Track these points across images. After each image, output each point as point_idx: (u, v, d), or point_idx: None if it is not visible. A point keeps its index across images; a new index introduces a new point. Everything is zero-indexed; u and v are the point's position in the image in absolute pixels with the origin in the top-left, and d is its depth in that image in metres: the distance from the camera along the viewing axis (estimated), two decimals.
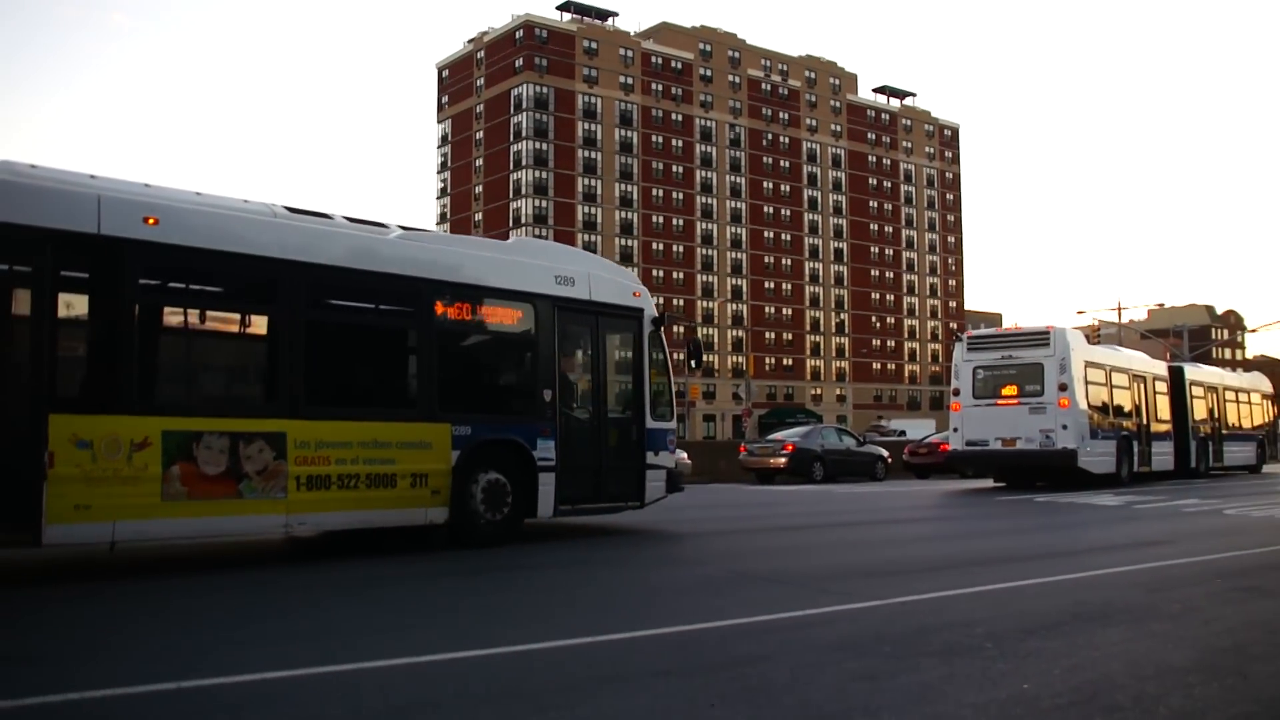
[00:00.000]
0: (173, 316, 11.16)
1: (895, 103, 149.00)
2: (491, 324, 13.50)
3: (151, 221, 10.23)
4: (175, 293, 11.14)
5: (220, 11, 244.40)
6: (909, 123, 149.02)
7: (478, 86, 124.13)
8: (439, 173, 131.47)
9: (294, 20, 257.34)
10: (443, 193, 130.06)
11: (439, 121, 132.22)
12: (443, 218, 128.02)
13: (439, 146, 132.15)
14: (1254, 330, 60.15)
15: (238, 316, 11.58)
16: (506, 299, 13.38)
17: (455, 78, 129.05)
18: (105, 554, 11.20)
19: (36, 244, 9.54)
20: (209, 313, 11.40)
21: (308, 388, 11.32)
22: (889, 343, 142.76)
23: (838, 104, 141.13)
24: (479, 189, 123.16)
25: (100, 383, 9.98)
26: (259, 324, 11.61)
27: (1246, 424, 36.68)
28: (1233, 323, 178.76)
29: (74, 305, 10.09)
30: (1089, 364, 26.06)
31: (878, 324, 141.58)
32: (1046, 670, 6.11)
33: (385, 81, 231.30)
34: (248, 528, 11.18)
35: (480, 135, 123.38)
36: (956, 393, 26.45)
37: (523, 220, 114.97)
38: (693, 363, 17.31)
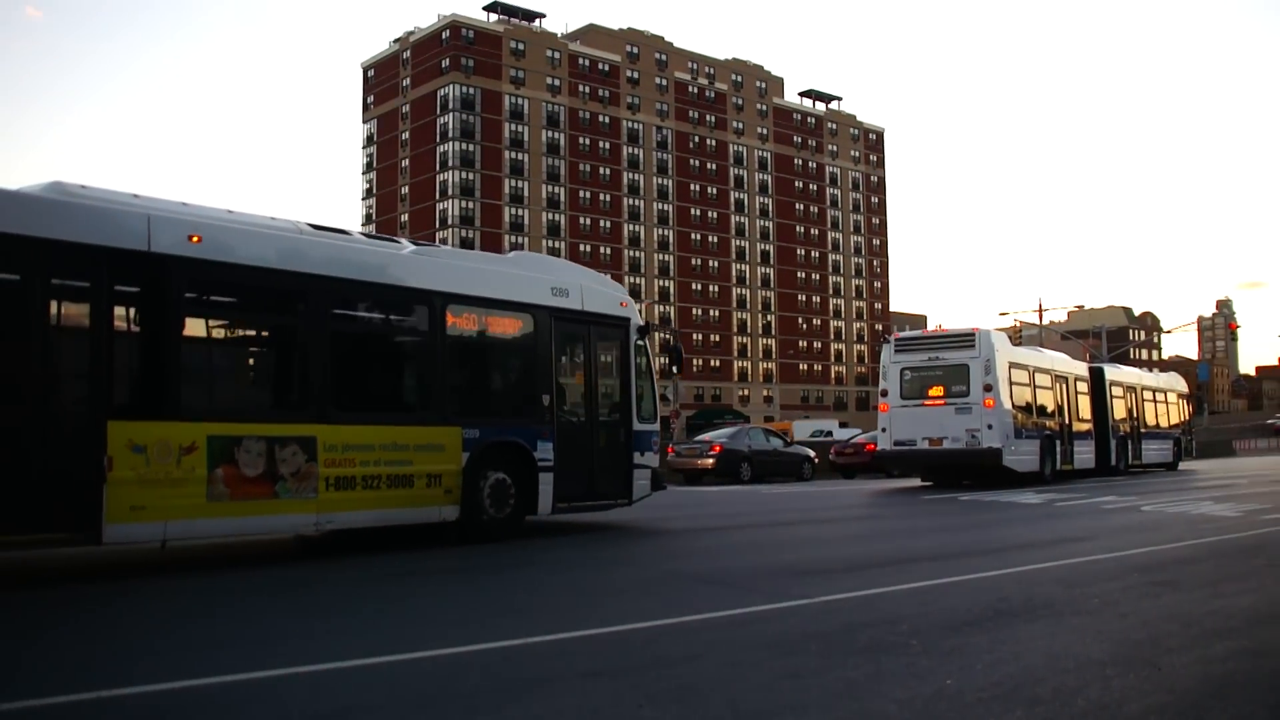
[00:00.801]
0: (214, 328, 11.96)
1: (821, 106, 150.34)
2: (495, 333, 14.35)
3: (195, 239, 10.91)
4: (216, 306, 11.89)
5: (143, 7, 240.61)
6: (835, 126, 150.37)
7: (404, 87, 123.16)
8: (364, 173, 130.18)
9: (217, 17, 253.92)
10: (368, 193, 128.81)
11: (364, 122, 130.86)
12: (368, 219, 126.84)
13: (364, 147, 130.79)
14: (1169, 331, 61.43)
15: (271, 327, 12.55)
16: (509, 310, 14.23)
17: (381, 78, 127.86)
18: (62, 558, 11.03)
19: (94, 261, 10.14)
20: (246, 324, 12.45)
21: (335, 394, 12.11)
22: (815, 344, 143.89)
23: (764, 107, 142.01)
24: (405, 190, 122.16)
25: (151, 390, 10.69)
26: (291, 334, 12.40)
27: (1164, 423, 37.47)
28: (1149, 324, 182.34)
29: (127, 318, 10.75)
30: (1013, 365, 26.47)
31: (804, 325, 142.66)
32: (970, 665, 6.21)
33: (310, 80, 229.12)
34: (283, 526, 11.94)
35: (406, 136, 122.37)
36: (884, 394, 26.74)
37: (449, 222, 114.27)
38: (674, 367, 17.77)
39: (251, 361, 12.81)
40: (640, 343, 15.89)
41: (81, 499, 9.81)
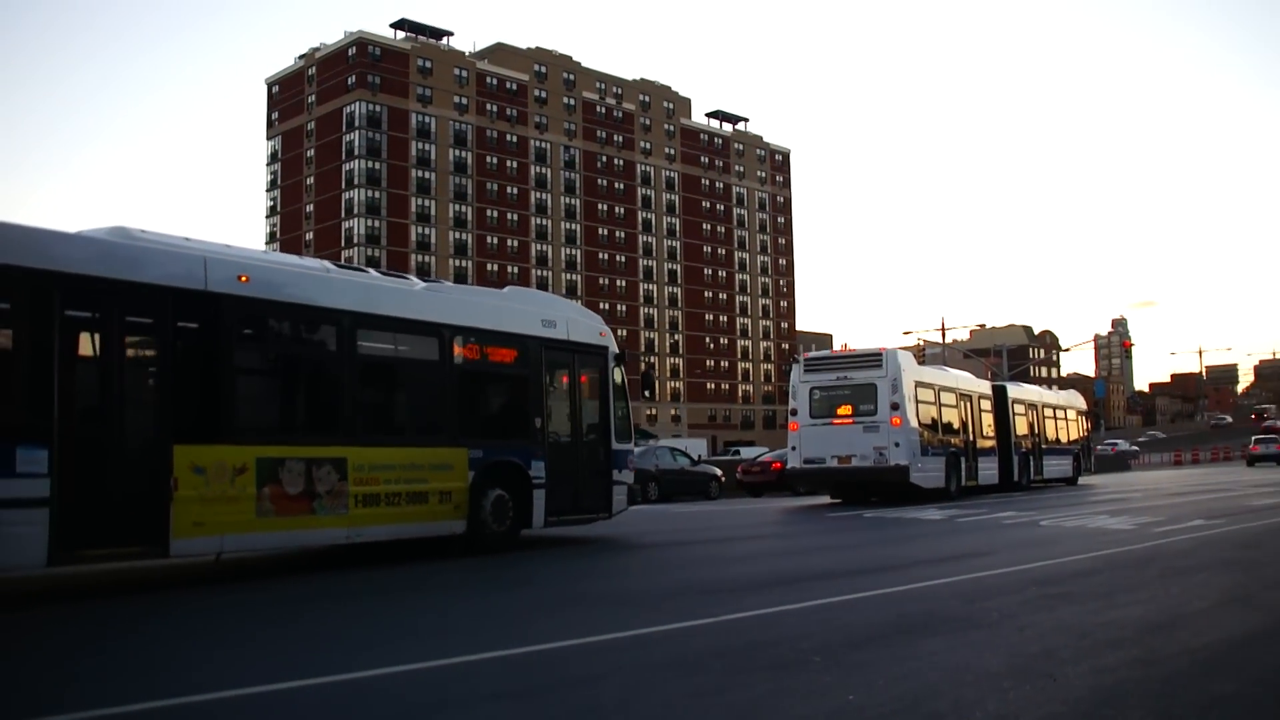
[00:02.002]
0: (260, 359, 12.99)
1: (728, 127, 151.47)
2: (494, 361, 15.52)
3: (244, 279, 12.05)
4: (261, 338, 12.95)
5: (43, 18, 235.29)
6: (741, 147, 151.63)
7: (309, 103, 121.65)
8: (269, 190, 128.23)
9: (117, 29, 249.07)
10: (272, 211, 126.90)
11: (269, 138, 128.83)
12: (272, 237, 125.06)
13: (269, 164, 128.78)
14: (1067, 350, 62.99)
15: (308, 358, 13.61)
16: (505, 340, 15.51)
17: (286, 94, 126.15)
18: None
19: (160, 299, 11.24)
20: (286, 355, 13.39)
21: (362, 419, 13.42)
22: (722, 363, 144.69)
23: (672, 128, 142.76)
24: (310, 208, 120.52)
25: (209, 416, 11.68)
26: (324, 364, 13.55)
27: (1064, 439, 38.27)
28: (1048, 342, 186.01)
29: (187, 350, 11.75)
30: (919, 384, 26.88)
31: (711, 344, 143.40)
32: (872, 681, 6.27)
33: (213, 96, 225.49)
34: (319, 539, 12.98)
35: (312, 153, 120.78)
36: (794, 412, 26.99)
37: (355, 240, 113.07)
38: (646, 392, 21.10)
39: (291, 389, 13.60)
40: (617, 369, 17.28)
41: (151, 516, 10.82)
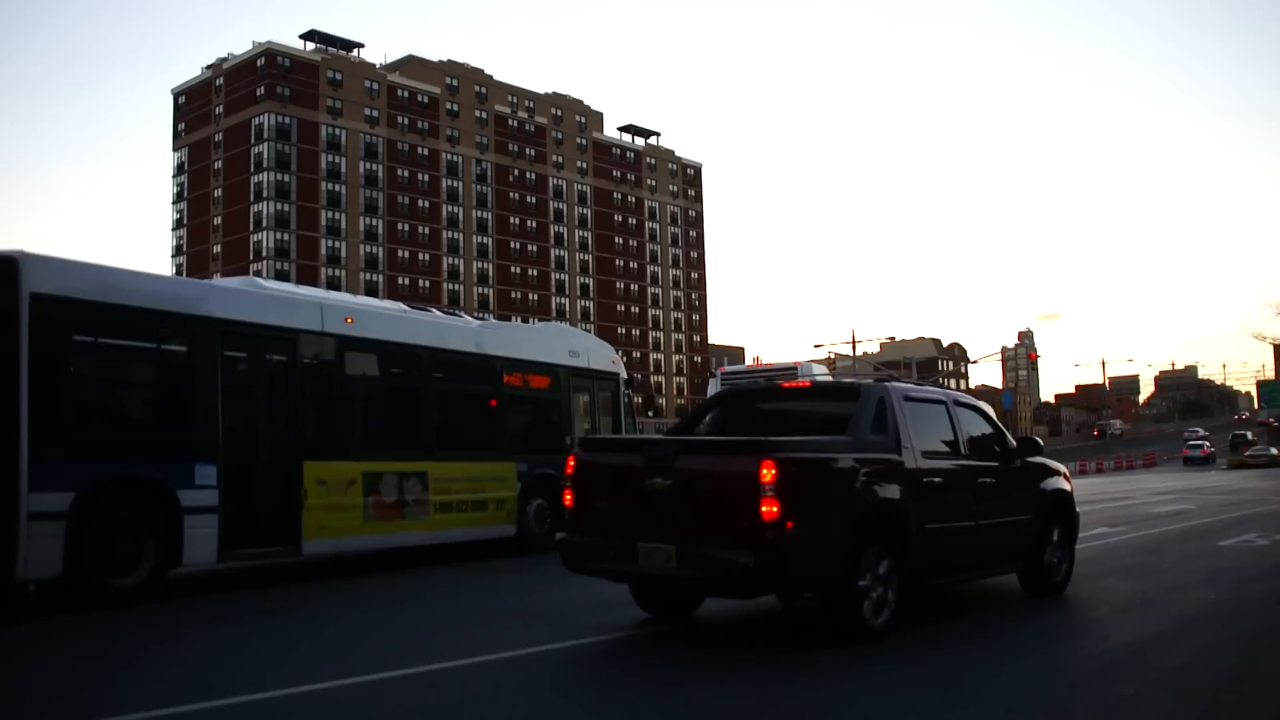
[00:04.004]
0: (362, 386, 15.03)
1: (640, 141, 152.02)
2: (534, 387, 17.75)
3: (349, 320, 14.35)
4: (363, 369, 14.98)
5: None
6: (653, 161, 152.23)
7: (217, 114, 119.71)
8: (175, 203, 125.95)
9: (18, 32, 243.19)
10: (179, 224, 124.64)
11: (175, 150, 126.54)
12: (178, 250, 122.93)
13: (175, 176, 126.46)
14: (975, 361, 63.99)
15: (398, 386, 15.80)
16: (542, 369, 17.81)
17: (193, 105, 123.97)
18: None
19: (291, 339, 13.46)
20: (381, 383, 15.58)
21: (438, 437, 15.54)
22: (635, 375, 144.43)
23: (584, 141, 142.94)
24: (218, 220, 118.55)
25: (327, 437, 13.92)
26: (410, 390, 15.77)
27: None
28: (957, 354, 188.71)
29: (309, 380, 13.87)
30: None
31: (625, 357, 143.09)
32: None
33: (116, 105, 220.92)
34: (407, 541, 14.91)
35: (219, 165, 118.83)
36: None
37: (264, 253, 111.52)
38: (650, 412, 22.39)
39: (386, 412, 15.62)
40: (627, 391, 19.63)
41: (289, 521, 12.90)
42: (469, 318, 17.82)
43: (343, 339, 14.12)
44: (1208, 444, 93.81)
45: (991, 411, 11.52)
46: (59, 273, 11.14)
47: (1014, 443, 11.03)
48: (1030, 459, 11.08)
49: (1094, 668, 7.26)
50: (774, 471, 7.58)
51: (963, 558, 9.77)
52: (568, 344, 18.75)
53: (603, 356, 19.48)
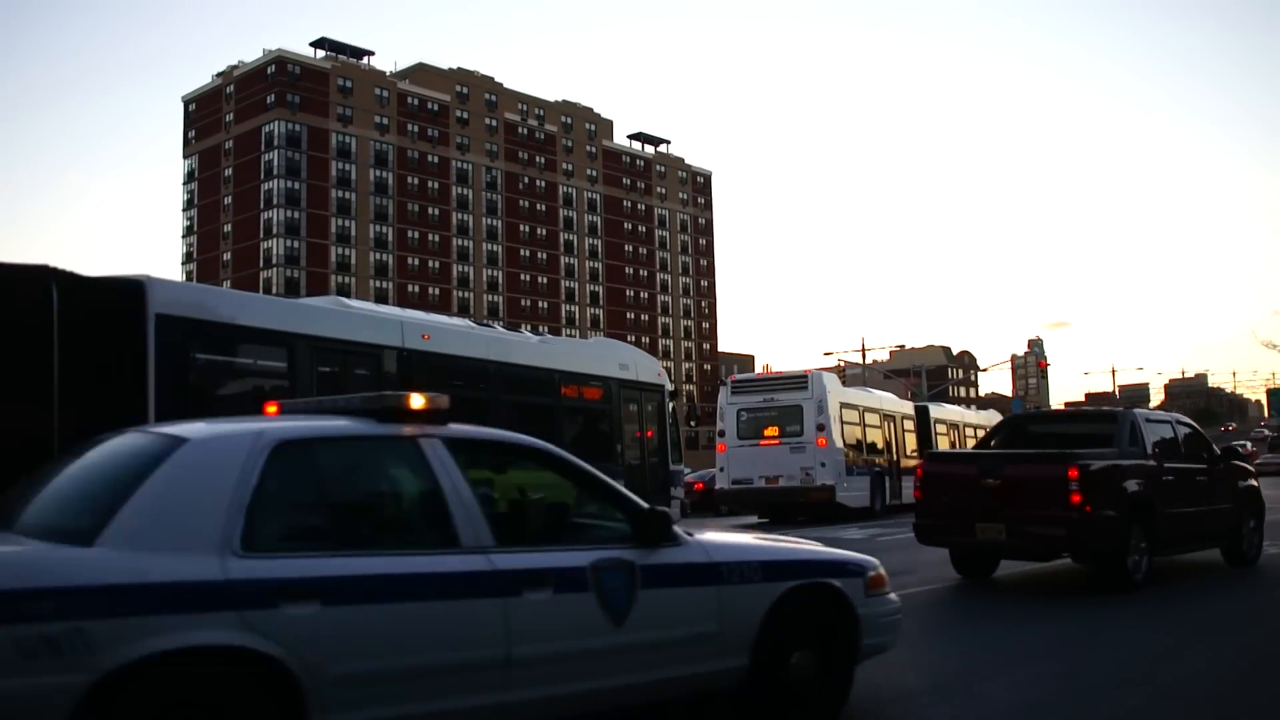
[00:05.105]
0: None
1: (650, 149, 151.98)
2: (587, 398, 18.66)
3: (426, 337, 15.18)
4: (440, 382, 14.60)
5: None
6: (663, 169, 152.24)
7: (227, 122, 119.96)
8: (185, 210, 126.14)
9: (29, 39, 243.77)
10: (189, 230, 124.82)
11: (185, 157, 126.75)
12: (189, 257, 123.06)
13: (185, 183, 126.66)
14: (985, 370, 63.94)
15: (468, 396, 15.78)
16: (595, 381, 18.71)
17: (203, 112, 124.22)
18: None
19: (376, 354, 14.36)
20: (455, 395, 15.05)
21: None
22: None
23: (594, 149, 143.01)
24: (228, 228, 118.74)
25: None
26: (478, 402, 16.01)
27: None
28: (967, 363, 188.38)
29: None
30: (844, 405, 27.25)
31: None
32: None
33: (127, 112, 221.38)
34: None
35: (229, 172, 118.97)
36: (722, 434, 27.30)
37: (274, 261, 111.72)
38: (692, 422, 24.70)
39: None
40: (671, 402, 20.53)
41: None
42: (529, 333, 19.07)
43: (421, 354, 14.93)
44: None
45: (1199, 427, 14.85)
46: (179, 294, 12.47)
47: (1218, 450, 14.43)
48: (1231, 462, 14.53)
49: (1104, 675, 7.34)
50: (1077, 474, 11.32)
51: (1187, 535, 13.19)
52: (618, 357, 19.73)
53: (650, 370, 20.46)
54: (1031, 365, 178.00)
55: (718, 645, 5.62)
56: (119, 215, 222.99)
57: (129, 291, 11.60)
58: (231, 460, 4.66)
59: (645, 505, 5.85)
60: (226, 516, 4.45)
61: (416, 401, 5.39)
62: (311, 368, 13.58)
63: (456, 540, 5.03)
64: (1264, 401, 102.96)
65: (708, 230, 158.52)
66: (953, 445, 35.35)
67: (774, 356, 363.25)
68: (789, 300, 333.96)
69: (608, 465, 17.62)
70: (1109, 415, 13.88)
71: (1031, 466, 11.98)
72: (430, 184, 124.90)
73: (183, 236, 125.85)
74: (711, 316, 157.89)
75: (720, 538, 6.19)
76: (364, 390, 13.94)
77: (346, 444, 5.29)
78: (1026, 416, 18.08)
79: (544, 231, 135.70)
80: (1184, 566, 14.15)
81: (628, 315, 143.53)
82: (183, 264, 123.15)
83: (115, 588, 4.07)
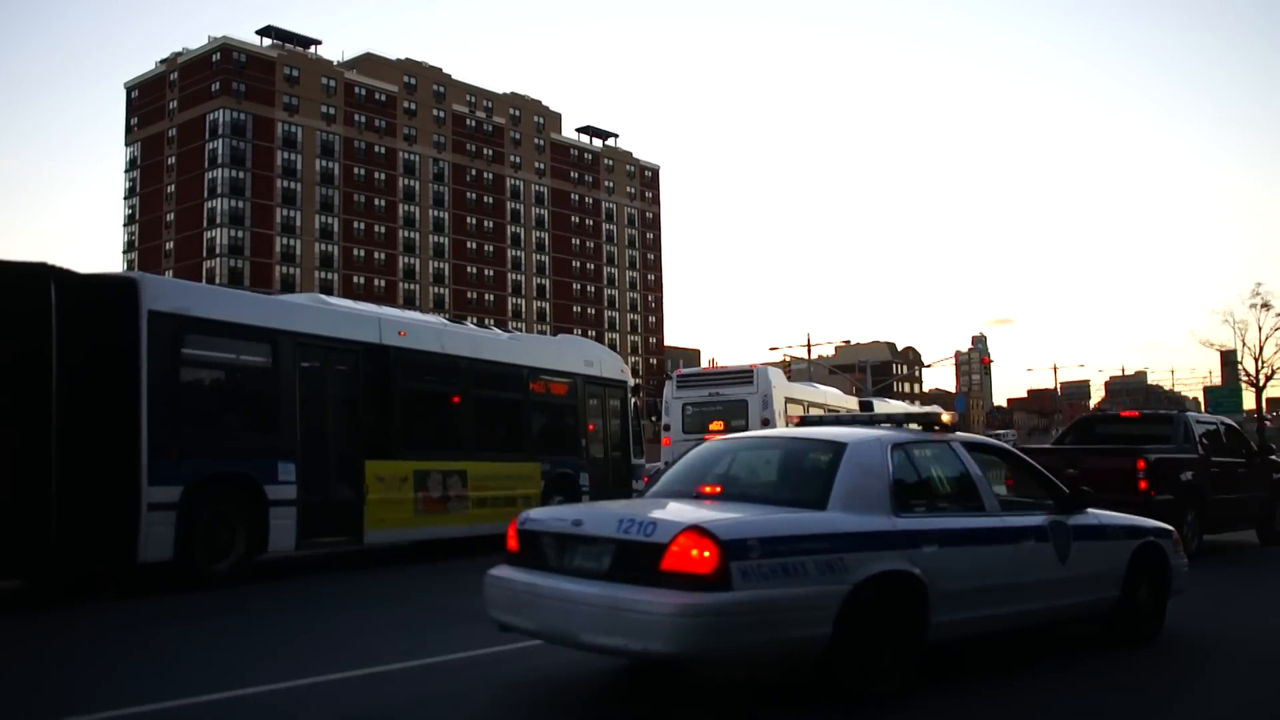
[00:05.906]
0: (413, 392, 16.21)
1: (598, 143, 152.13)
2: (555, 394, 19.37)
3: (402, 334, 15.92)
4: (414, 377, 16.21)
5: None
6: (611, 163, 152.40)
7: (171, 109, 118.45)
8: (126, 199, 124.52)
9: None
10: (130, 219, 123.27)
11: (127, 144, 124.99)
12: (130, 246, 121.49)
13: (127, 171, 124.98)
14: (929, 366, 64.72)
15: (441, 391, 17.09)
16: (561, 377, 19.45)
17: (146, 99, 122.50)
18: None
19: (355, 351, 15.07)
20: (428, 390, 16.81)
21: (476, 439, 17.17)
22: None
23: (542, 142, 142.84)
24: (171, 216, 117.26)
25: (383, 438, 15.25)
26: (451, 396, 17.16)
27: None
28: (911, 359, 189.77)
29: (369, 387, 15.26)
30: (789, 400, 27.46)
31: None
32: None
33: (67, 98, 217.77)
34: (449, 534, 16.30)
35: (173, 160, 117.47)
36: (667, 428, 27.42)
37: (217, 251, 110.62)
38: (654, 417, 22.85)
39: (433, 415, 16.98)
40: (633, 398, 21.28)
41: (353, 514, 14.51)
42: (499, 330, 19.96)
43: (396, 350, 15.62)
44: None
45: (1238, 426, 17.64)
46: (170, 292, 12.94)
47: (1255, 446, 17.42)
48: (1267, 457, 17.32)
49: None
50: (1144, 465, 14.17)
51: (1230, 516, 16.08)
52: (584, 354, 20.51)
53: (613, 366, 21.20)
54: (975, 361, 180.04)
55: (1108, 580, 8.35)
56: (58, 203, 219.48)
57: (122, 289, 12.19)
58: (880, 455, 7.24)
59: (1066, 488, 8.65)
60: (886, 490, 7.03)
61: (946, 417, 8.22)
62: (294, 362, 14.07)
63: (983, 507, 7.63)
64: (1201, 399, 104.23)
65: (655, 224, 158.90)
66: None
67: (720, 351, 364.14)
68: (735, 295, 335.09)
69: (572, 457, 19.02)
70: (1165, 418, 17.09)
71: (1107, 460, 14.79)
72: (377, 175, 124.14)
73: (124, 225, 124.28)
74: (658, 310, 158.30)
75: (1100, 511, 8.64)
76: (343, 383, 15.25)
77: (922, 445, 7.78)
78: (1094, 418, 20.42)
79: (491, 224, 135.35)
80: (1223, 544, 16.76)
81: (574, 308, 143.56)
82: (124, 253, 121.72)
83: (854, 534, 6.61)
